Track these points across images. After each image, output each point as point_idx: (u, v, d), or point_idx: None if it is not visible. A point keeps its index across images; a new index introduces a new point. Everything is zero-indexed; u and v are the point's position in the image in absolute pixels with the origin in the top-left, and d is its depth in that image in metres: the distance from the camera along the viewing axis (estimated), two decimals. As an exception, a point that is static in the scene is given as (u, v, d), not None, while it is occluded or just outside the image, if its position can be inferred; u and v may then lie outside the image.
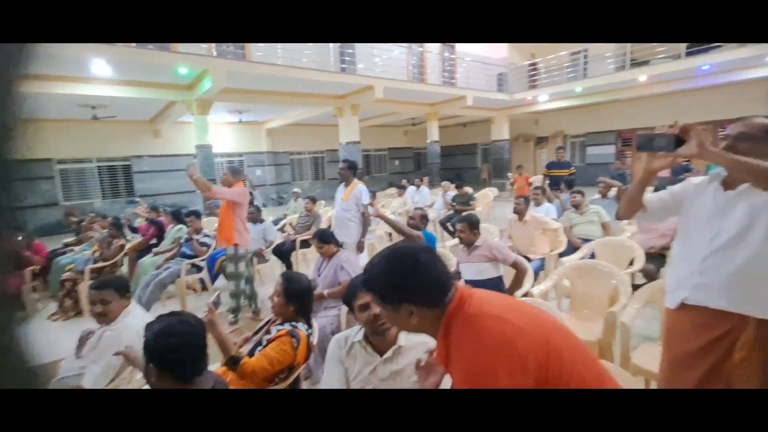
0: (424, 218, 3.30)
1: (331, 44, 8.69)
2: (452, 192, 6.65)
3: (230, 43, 8.32)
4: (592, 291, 2.61)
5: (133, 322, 1.82)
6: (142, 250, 4.85)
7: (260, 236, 4.56)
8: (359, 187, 3.78)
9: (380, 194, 9.94)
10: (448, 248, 3.85)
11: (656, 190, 1.59)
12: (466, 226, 2.76)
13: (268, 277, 4.85)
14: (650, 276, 3.11)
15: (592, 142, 14.04)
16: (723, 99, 10.70)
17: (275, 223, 6.13)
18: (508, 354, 0.84)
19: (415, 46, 12.28)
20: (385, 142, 17.00)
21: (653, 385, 1.89)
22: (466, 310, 0.92)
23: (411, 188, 7.94)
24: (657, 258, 3.32)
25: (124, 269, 4.62)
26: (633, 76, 9.91)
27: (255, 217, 4.64)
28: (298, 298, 1.84)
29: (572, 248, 3.86)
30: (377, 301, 1.02)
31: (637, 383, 1.86)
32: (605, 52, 11.83)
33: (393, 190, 9.60)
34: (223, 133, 12.31)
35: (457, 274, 2.76)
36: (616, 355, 2.09)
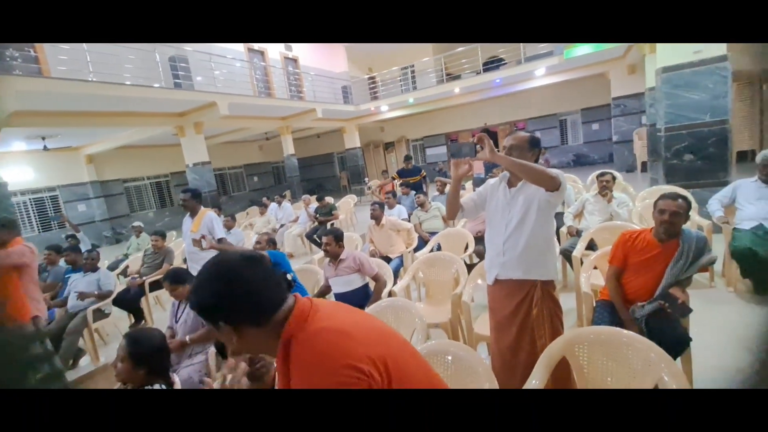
0: (272, 242, 3.14)
1: (158, 57, 7.75)
2: (314, 204, 6.73)
3: (19, 59, 6.67)
4: (440, 278, 3.03)
5: None
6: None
7: (94, 288, 3.69)
8: (209, 215, 3.42)
9: (241, 215, 9.37)
10: (315, 262, 3.91)
11: (476, 185, 1.95)
12: (332, 239, 2.85)
13: (114, 336, 4.09)
14: (481, 255, 3.75)
15: (429, 144, 15.94)
16: (513, 104, 13.50)
17: (112, 267, 5.19)
18: (345, 367, 0.75)
19: (256, 59, 11.93)
20: (240, 159, 16.00)
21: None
22: (307, 327, 0.82)
23: (273, 205, 7.71)
24: (483, 240, 4.03)
25: None
26: (450, 88, 11.63)
27: (90, 265, 3.77)
28: (148, 360, 1.55)
29: (423, 242, 4.37)
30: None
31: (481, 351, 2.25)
32: (427, 68, 13.57)
33: (256, 208, 9.15)
34: (23, 165, 9.76)
35: (327, 288, 2.85)
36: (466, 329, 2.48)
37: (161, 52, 7.78)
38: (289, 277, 2.52)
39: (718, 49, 4.17)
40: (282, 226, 6.85)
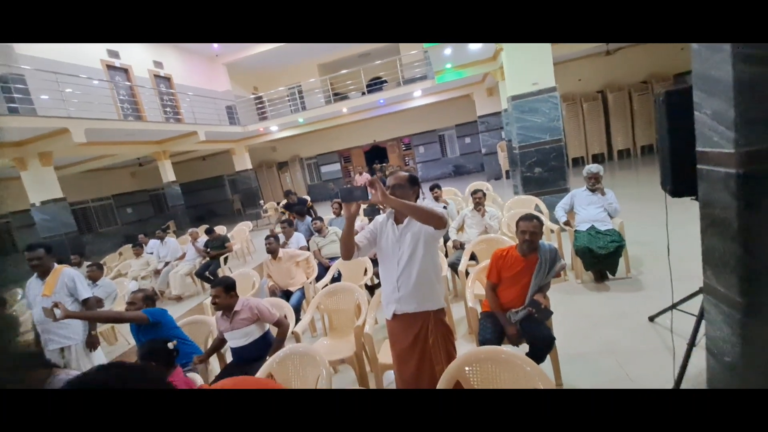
0: (148, 299, 2.66)
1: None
2: (203, 238, 6.09)
3: None
4: (343, 307, 3.00)
5: None
6: None
7: None
8: (66, 273, 2.86)
9: (112, 257, 7.99)
10: (208, 308, 3.52)
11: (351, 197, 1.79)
12: (221, 291, 2.52)
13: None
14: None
15: (323, 162, 15.91)
16: (398, 121, 14.34)
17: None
18: None
19: (119, 77, 10.43)
20: (107, 188, 13.69)
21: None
22: None
23: (153, 242, 6.75)
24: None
25: None
26: (338, 107, 11.80)
27: None
28: None
29: (323, 268, 4.28)
30: None
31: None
32: (314, 87, 13.58)
33: (133, 247, 7.89)
34: None
35: (221, 342, 2.57)
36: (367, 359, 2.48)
37: (-17, 71, 6.25)
38: (171, 345, 2.20)
39: (550, 81, 5.04)
40: (167, 264, 6.04)
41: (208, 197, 16.73)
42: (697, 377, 2.07)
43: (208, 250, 5.78)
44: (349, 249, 1.85)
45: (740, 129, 1.63)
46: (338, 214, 5.62)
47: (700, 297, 2.08)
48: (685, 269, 2.35)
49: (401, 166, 8.54)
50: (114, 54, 10.21)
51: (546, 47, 5.04)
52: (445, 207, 4.77)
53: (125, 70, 10.60)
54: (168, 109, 11.32)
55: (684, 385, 2.05)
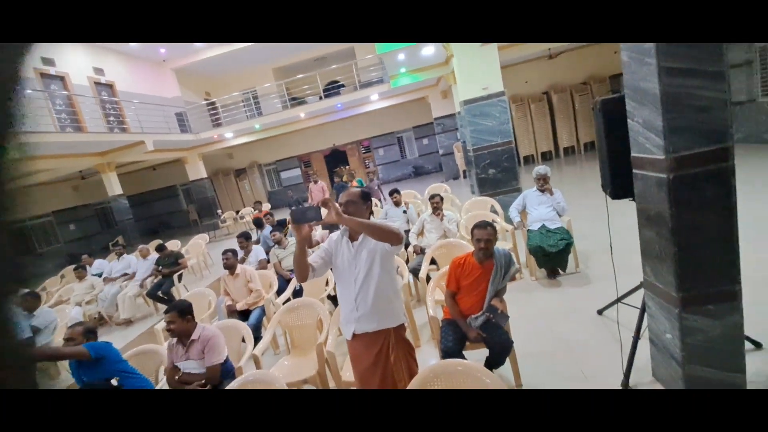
0: (89, 332, 2.40)
1: None
2: (154, 254, 5.69)
3: None
4: (303, 323, 2.88)
5: None
6: None
7: None
8: None
9: (53, 280, 7.30)
10: (161, 335, 3.27)
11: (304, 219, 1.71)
12: (176, 315, 2.34)
13: None
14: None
15: (283, 167, 15.50)
16: (357, 124, 14.24)
17: None
18: None
19: (54, 86, 9.54)
20: (46, 204, 12.51)
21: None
22: None
23: (99, 262, 6.23)
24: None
25: None
26: (296, 113, 11.53)
27: None
28: None
29: (285, 281, 4.13)
30: None
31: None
32: (270, 92, 13.18)
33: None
34: None
35: (173, 372, 2.37)
36: (331, 377, 2.40)
37: None
38: (114, 381, 1.98)
39: (499, 85, 5.17)
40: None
41: (161, 209, 15.76)
42: (644, 368, 2.18)
43: (160, 268, 5.41)
44: (303, 271, 1.77)
45: (668, 137, 1.72)
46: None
47: (642, 290, 2.18)
48: (630, 262, 2.46)
49: (353, 171, 8.44)
50: (49, 62, 9.33)
51: (494, 53, 5.17)
52: (405, 211, 4.77)
53: (61, 78, 9.72)
54: (111, 119, 10.52)
55: (632, 376, 2.14)
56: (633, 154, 1.97)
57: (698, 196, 1.74)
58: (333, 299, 3.81)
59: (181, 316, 2.33)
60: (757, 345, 2.18)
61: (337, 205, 1.60)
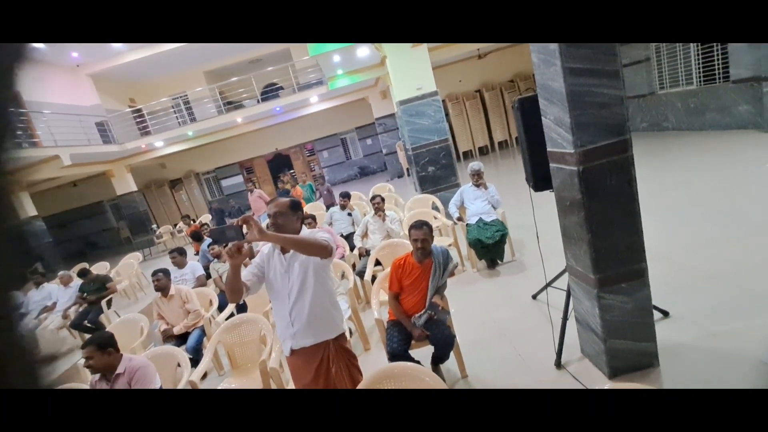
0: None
1: None
2: (77, 281, 5.10)
3: None
4: (245, 340, 2.73)
5: None
6: None
7: None
8: None
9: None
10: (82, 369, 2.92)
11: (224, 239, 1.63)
12: (94, 350, 2.08)
13: None
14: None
15: (223, 175, 14.69)
16: (299, 127, 13.87)
17: None
18: None
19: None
20: (-63, 235, 10.71)
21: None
22: None
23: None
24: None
25: None
26: (232, 118, 10.96)
27: None
28: None
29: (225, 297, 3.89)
30: None
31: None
32: (203, 97, 12.41)
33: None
34: None
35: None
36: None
37: None
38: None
39: (432, 86, 5.29)
40: (46, 310, 4.89)
41: (87, 228, 14.20)
42: (574, 346, 2.33)
43: (85, 295, 4.86)
44: (236, 294, 1.65)
45: (576, 132, 1.83)
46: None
47: (567, 274, 2.33)
48: (558, 248, 2.60)
49: (296, 176, 8.20)
50: None
51: (425, 54, 5.28)
52: (349, 214, 4.72)
53: (-56, 87, 8.35)
54: (18, 132, 9.24)
55: (564, 355, 2.28)
56: (549, 149, 2.08)
57: (604, 185, 1.88)
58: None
59: (101, 349, 2.09)
60: (665, 314, 2.43)
61: (259, 222, 1.50)
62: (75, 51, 10.46)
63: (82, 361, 3.21)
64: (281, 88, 12.74)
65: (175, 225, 11.00)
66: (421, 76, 5.24)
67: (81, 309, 4.82)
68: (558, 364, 2.25)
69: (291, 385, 2.24)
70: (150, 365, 2.19)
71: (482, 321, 2.96)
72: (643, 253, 1.99)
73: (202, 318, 3.38)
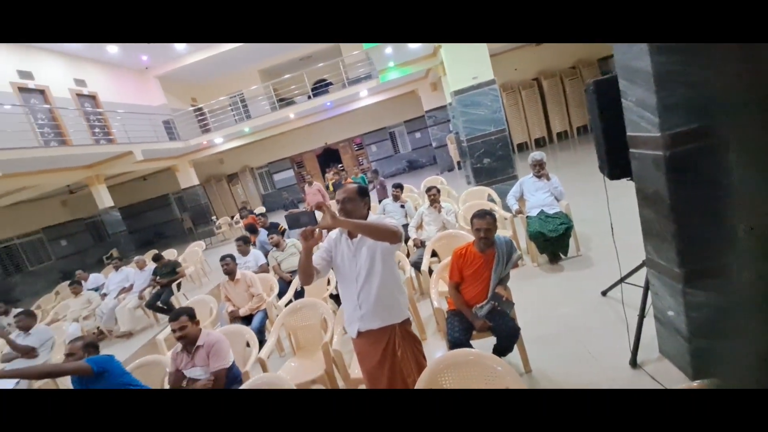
0: (91, 346, 2.39)
1: None
2: (151, 265, 5.66)
3: None
4: (307, 324, 2.89)
5: None
6: None
7: None
8: None
9: (47, 298, 7.23)
10: (163, 346, 3.26)
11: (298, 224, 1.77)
12: (186, 320, 2.35)
13: None
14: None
15: (276, 170, 15.43)
16: (348, 122, 14.19)
17: None
18: None
19: (35, 100, 9.41)
20: (35, 222, 12.36)
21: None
22: None
23: (95, 276, 6.18)
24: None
25: None
26: (285, 114, 11.47)
27: None
28: None
29: (285, 283, 4.13)
30: None
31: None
32: (257, 95, 13.09)
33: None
34: None
35: (179, 379, 2.36)
36: (339, 376, 2.41)
37: None
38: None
39: (488, 74, 5.18)
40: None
41: (154, 219, 15.64)
42: (651, 345, 2.21)
43: (158, 278, 5.38)
44: (308, 277, 1.76)
45: (662, 114, 1.73)
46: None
47: (645, 269, 2.21)
48: (631, 242, 2.48)
49: (330, 174, 8.31)
50: (26, 75, 9.20)
51: (482, 42, 5.18)
52: (402, 206, 4.77)
53: (41, 92, 9.58)
54: (97, 130, 10.41)
55: (640, 354, 2.17)
56: (628, 134, 1.98)
57: (694, 172, 1.76)
58: (335, 298, 3.82)
59: (192, 320, 2.36)
60: (760, 316, 2.21)
61: (331, 208, 1.58)
62: (144, 54, 11.50)
63: (161, 335, 3.58)
64: (330, 83, 13.09)
65: (233, 217, 11.76)
66: (477, 65, 5.15)
67: (154, 291, 5.35)
68: (633, 363, 2.15)
69: (353, 367, 2.36)
70: (225, 340, 2.41)
71: (545, 316, 2.89)
72: (736, 246, 1.84)
73: (264, 302, 3.63)
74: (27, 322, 3.75)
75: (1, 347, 3.84)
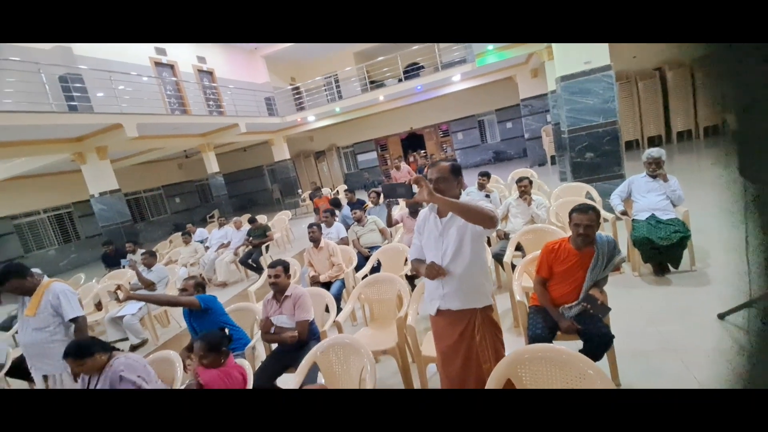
0: (199, 286, 2.76)
1: (44, 78, 6.70)
2: (246, 226, 6.33)
3: None
4: (384, 297, 2.99)
5: None
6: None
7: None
8: (51, 289, 2.45)
9: (163, 244, 8.53)
10: (253, 296, 3.65)
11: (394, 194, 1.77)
12: (282, 270, 2.66)
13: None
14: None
15: (360, 150, 15.97)
16: (436, 108, 14.03)
17: (4, 327, 4.40)
18: None
19: (166, 73, 10.97)
20: (157, 180, 14.61)
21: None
22: None
23: (200, 231, 7.11)
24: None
25: None
26: (375, 96, 11.73)
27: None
28: None
29: (363, 258, 4.31)
30: None
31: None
32: (351, 76, 13.56)
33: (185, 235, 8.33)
34: None
35: (268, 326, 2.64)
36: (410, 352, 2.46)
37: (48, 72, 6.76)
38: (226, 331, 2.33)
39: (604, 59, 4.68)
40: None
41: (249, 187, 17.38)
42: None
43: (251, 238, 6.00)
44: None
45: None
46: (376, 203, 5.61)
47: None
48: (761, 263, 2.10)
49: (415, 158, 8.14)
50: (161, 51, 10.73)
51: (600, 21, 4.67)
52: (487, 195, 4.62)
53: (171, 66, 11.12)
54: (211, 103, 11.80)
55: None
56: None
57: None
58: (410, 279, 3.88)
59: (286, 272, 2.64)
60: None
61: (428, 184, 1.57)
62: (256, 35, 12.61)
63: (252, 287, 4.00)
64: (422, 67, 13.00)
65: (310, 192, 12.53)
66: (591, 48, 4.67)
67: (247, 249, 5.98)
68: (756, 401, 1.84)
69: (425, 345, 2.40)
70: (309, 296, 2.63)
71: (644, 331, 2.60)
72: None
73: (343, 272, 3.84)
74: (150, 260, 4.49)
75: (128, 279, 4.66)
